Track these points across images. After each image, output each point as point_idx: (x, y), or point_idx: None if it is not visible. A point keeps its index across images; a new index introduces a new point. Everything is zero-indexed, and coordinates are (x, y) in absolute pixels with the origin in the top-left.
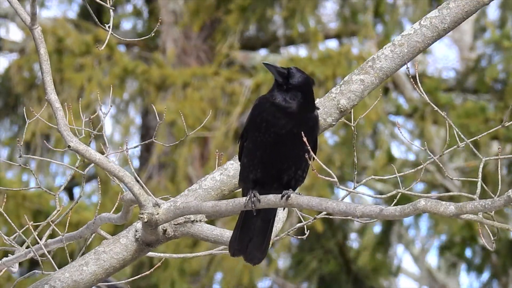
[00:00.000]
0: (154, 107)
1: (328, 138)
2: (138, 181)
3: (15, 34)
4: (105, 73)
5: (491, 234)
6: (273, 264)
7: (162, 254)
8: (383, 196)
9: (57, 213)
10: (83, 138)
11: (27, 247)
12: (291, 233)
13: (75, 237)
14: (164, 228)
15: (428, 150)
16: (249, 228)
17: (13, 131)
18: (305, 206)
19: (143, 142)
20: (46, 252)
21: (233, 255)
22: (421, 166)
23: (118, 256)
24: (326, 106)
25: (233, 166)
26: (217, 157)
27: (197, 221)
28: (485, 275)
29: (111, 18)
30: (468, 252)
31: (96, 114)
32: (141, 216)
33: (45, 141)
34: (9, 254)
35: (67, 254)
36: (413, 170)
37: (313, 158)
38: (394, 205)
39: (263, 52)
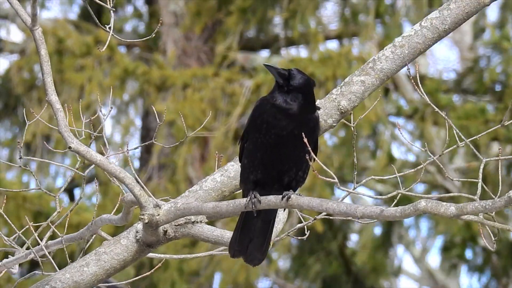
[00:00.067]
0: (154, 108)
1: (327, 139)
2: (138, 182)
3: (15, 35)
4: (106, 74)
5: (492, 235)
6: (273, 264)
7: (162, 255)
8: (383, 196)
9: (57, 214)
10: (83, 139)
11: (27, 248)
12: (291, 233)
13: (76, 238)
14: (165, 229)
15: (428, 151)
16: (249, 229)
17: (13, 132)
18: (306, 207)
19: (143, 144)
20: (47, 253)
21: (233, 256)
22: (421, 166)
23: (119, 257)
24: (326, 107)
25: (234, 167)
26: (216, 158)
27: (197, 222)
28: (486, 276)
29: (112, 19)
30: (468, 253)
31: (96, 115)
32: (142, 217)
33: (45, 142)
34: (9, 256)
35: (67, 255)
36: (413, 170)
37: (314, 159)
38: (395, 205)
39: (263, 53)
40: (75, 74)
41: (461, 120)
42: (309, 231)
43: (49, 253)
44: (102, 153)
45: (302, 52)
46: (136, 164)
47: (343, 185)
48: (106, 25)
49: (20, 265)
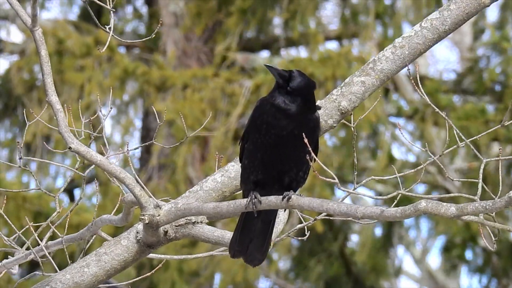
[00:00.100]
0: (154, 108)
1: (327, 139)
2: (139, 183)
3: (15, 35)
4: (106, 74)
5: (492, 235)
6: (273, 265)
7: (163, 256)
8: (383, 197)
9: (57, 214)
10: (82, 140)
11: (27, 248)
12: (292, 234)
13: (76, 238)
14: (165, 230)
15: (428, 151)
16: (249, 229)
17: (13, 132)
18: (306, 208)
19: (143, 144)
20: (47, 253)
21: (233, 256)
22: (421, 166)
23: (119, 257)
24: (327, 107)
25: (234, 168)
26: (216, 159)
27: (198, 222)
28: (486, 277)
29: (112, 20)
30: (468, 254)
31: (96, 115)
32: (142, 217)
33: (45, 143)
34: (9, 256)
35: (67, 256)
36: (413, 171)
37: (314, 160)
38: (395, 206)
39: (263, 53)
40: (75, 75)
41: (462, 121)
42: (309, 231)
43: (49, 253)
44: (102, 154)
45: (302, 52)
46: (136, 164)
47: (343, 185)
48: (106, 26)
49: (19, 265)
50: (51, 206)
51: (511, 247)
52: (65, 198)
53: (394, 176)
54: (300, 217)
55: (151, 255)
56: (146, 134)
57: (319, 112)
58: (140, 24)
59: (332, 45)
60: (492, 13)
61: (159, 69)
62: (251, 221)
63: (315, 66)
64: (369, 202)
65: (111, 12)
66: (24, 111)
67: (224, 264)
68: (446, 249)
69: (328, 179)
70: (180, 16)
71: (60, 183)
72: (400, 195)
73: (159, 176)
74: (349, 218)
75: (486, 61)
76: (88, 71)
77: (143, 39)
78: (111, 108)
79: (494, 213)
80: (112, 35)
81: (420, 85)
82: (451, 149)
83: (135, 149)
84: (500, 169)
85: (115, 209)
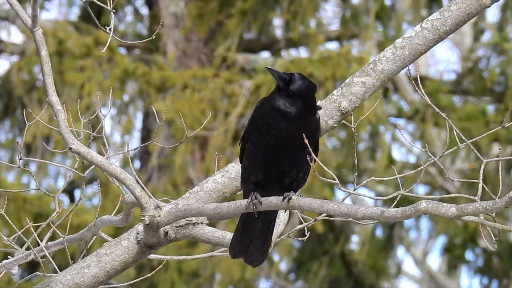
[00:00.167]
0: (154, 108)
1: (326, 140)
2: (139, 183)
3: (16, 36)
4: (106, 75)
5: (492, 235)
6: (274, 266)
7: (163, 256)
8: (384, 197)
9: (57, 214)
10: (82, 140)
11: (27, 248)
12: (292, 234)
13: (76, 239)
14: (166, 230)
15: (429, 152)
16: (250, 230)
17: (13, 133)
18: (307, 208)
19: (143, 144)
20: (47, 253)
21: (233, 257)
22: (422, 167)
23: (120, 258)
24: (327, 108)
25: (235, 169)
26: (216, 159)
27: (198, 223)
28: (486, 277)
29: (112, 20)
30: (469, 255)
31: (95, 114)
32: (143, 218)
33: (44, 143)
34: (9, 256)
35: (68, 256)
36: (413, 172)
37: (315, 160)
38: (395, 206)
39: (264, 54)
40: (75, 75)
41: (462, 122)
42: (309, 232)
43: (49, 254)
44: (102, 154)
45: (302, 53)
46: (136, 164)
47: (344, 186)
48: (106, 27)
49: (19, 266)
50: (51, 207)
51: (511, 247)
52: (65, 199)
53: (395, 177)
54: (300, 217)
55: (152, 256)
56: (147, 135)
57: (319, 112)
58: (140, 25)
59: (333, 46)
60: (492, 14)
61: (159, 70)
62: (252, 222)
63: (314, 66)
64: (369, 203)
65: (111, 12)
66: (24, 112)
67: (223, 264)
68: (447, 250)
69: (328, 180)
70: (181, 17)
71: (61, 184)
72: (400, 195)
73: (159, 177)
74: (350, 219)
75: (486, 61)
76: (88, 71)
77: (144, 40)
78: (110, 108)
79: (494, 213)
80: (112, 36)
81: (420, 86)
82: (451, 150)
83: (135, 149)
84: (500, 170)
85: (116, 210)
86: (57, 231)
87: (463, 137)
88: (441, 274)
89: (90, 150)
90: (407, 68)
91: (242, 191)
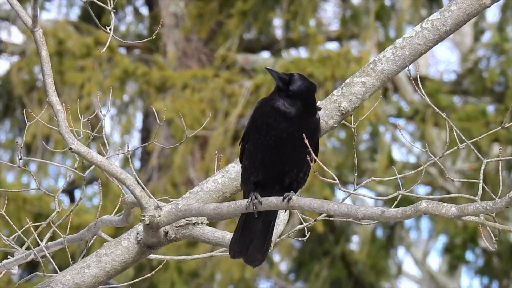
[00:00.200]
0: (154, 108)
1: (327, 140)
2: (139, 184)
3: (16, 36)
4: (106, 75)
5: (492, 235)
6: (275, 267)
7: (163, 256)
8: (384, 198)
9: (57, 214)
10: (82, 140)
11: (27, 248)
12: (292, 235)
13: (76, 239)
14: (166, 231)
15: (429, 152)
16: (250, 230)
17: (14, 133)
18: (307, 208)
19: (143, 144)
20: (47, 253)
21: (233, 257)
22: (422, 167)
23: (120, 258)
24: (327, 108)
25: (235, 169)
26: (216, 158)
27: (198, 223)
28: (486, 278)
29: (112, 20)
30: (469, 255)
31: (94, 114)
32: (143, 218)
33: (44, 143)
34: (9, 256)
35: (69, 257)
36: (413, 172)
37: (315, 161)
38: (395, 207)
39: (264, 54)
40: (75, 75)
41: (463, 122)
42: (309, 232)
43: (48, 254)
44: (102, 154)
45: (302, 53)
46: (136, 164)
47: (344, 186)
48: (106, 27)
49: (19, 266)
50: (51, 207)
51: (511, 248)
52: (65, 200)
53: (395, 177)
54: (300, 218)
55: (152, 256)
56: (147, 135)
57: (319, 113)
58: (140, 25)
59: (333, 46)
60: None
61: (159, 70)
62: (252, 222)
63: (314, 66)
64: (370, 203)
65: (112, 12)
66: (25, 112)
67: (223, 264)
68: (447, 250)
69: (328, 180)
70: (181, 17)
71: (61, 184)
72: (400, 196)
73: (159, 177)
74: (350, 219)
75: (486, 62)
76: (88, 71)
77: (144, 40)
78: (110, 108)
79: (494, 213)
80: (112, 36)
81: (420, 86)
82: (451, 150)
83: (135, 149)
84: (500, 170)
85: (116, 210)
86: (57, 231)
87: (463, 138)
88: (442, 274)
89: (90, 150)
90: (407, 68)
91: (242, 191)
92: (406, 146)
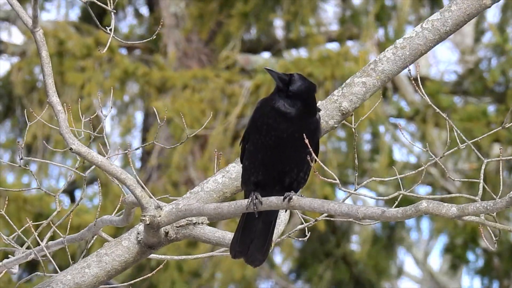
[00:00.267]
0: (155, 109)
1: (328, 140)
2: (139, 184)
3: (16, 37)
4: (106, 75)
5: (493, 235)
6: (276, 268)
7: (163, 256)
8: (384, 197)
9: (57, 213)
10: (82, 140)
11: (28, 248)
12: (293, 235)
13: (76, 239)
14: (166, 230)
15: (430, 152)
16: (250, 230)
17: (14, 134)
18: (307, 208)
19: (144, 145)
20: (47, 253)
21: (234, 257)
22: (423, 167)
23: (120, 258)
24: (328, 108)
25: (235, 169)
26: (216, 157)
27: (199, 223)
28: (487, 278)
29: (112, 21)
30: (470, 255)
31: (95, 114)
32: (143, 218)
33: (45, 142)
34: (9, 256)
35: (69, 257)
36: (414, 172)
37: (315, 161)
38: (396, 207)
39: (264, 55)
40: (76, 76)
41: (464, 122)
42: (310, 232)
43: (49, 253)
44: (102, 154)
45: (303, 54)
46: (136, 164)
47: (345, 186)
48: (106, 27)
49: (19, 266)
50: (51, 207)
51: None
52: (66, 200)
53: (395, 177)
54: (301, 218)
55: (153, 256)
56: (147, 135)
57: (320, 113)
58: (141, 25)
59: (333, 46)
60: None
61: (160, 70)
62: (252, 222)
63: (314, 66)
64: (370, 203)
65: (112, 13)
66: (25, 112)
67: (224, 264)
68: (447, 250)
69: (329, 180)
70: (181, 18)
71: (62, 185)
72: (401, 196)
73: (159, 176)
74: (350, 219)
75: (487, 62)
76: (89, 72)
77: (144, 40)
78: (111, 108)
79: (495, 213)
80: (112, 36)
81: (421, 86)
82: (452, 150)
83: (135, 149)
84: (501, 170)
85: (116, 210)
86: (58, 231)
87: (464, 138)
88: (442, 274)
89: (90, 151)
90: (407, 68)
91: (242, 191)
92: (406, 146)
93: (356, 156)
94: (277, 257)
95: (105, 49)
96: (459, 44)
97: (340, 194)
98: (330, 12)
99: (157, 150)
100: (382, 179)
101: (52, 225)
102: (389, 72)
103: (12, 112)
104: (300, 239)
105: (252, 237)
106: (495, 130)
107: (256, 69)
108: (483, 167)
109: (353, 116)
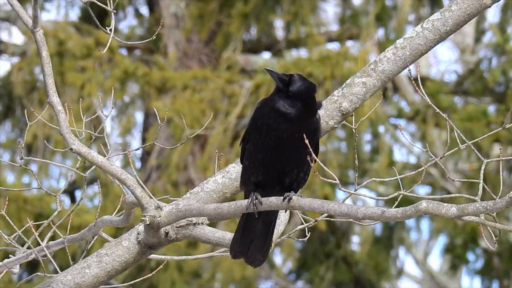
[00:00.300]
0: (155, 109)
1: (328, 140)
2: (140, 184)
3: (16, 37)
4: (106, 75)
5: (493, 235)
6: (277, 269)
7: (163, 257)
8: (384, 198)
9: (58, 213)
10: (83, 140)
11: (28, 248)
12: (293, 235)
13: (77, 239)
14: (166, 231)
15: (430, 152)
16: (250, 230)
17: (14, 134)
18: (307, 208)
19: (144, 145)
20: (48, 253)
21: (234, 257)
22: (423, 167)
23: (120, 258)
24: (328, 109)
25: (235, 169)
26: (216, 157)
27: (199, 223)
28: (487, 278)
29: (113, 21)
30: (469, 255)
31: (96, 115)
32: (143, 218)
33: (46, 142)
34: (10, 256)
35: (69, 257)
36: (414, 172)
37: (315, 161)
38: (396, 207)
39: (265, 55)
40: (76, 76)
41: (464, 122)
42: (310, 232)
43: (49, 253)
44: (102, 154)
45: (303, 54)
46: (136, 165)
47: (345, 186)
48: (106, 27)
49: (20, 265)
50: (52, 208)
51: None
52: (66, 200)
53: (395, 177)
54: (301, 218)
55: (153, 256)
56: (147, 136)
57: (320, 112)
58: (141, 25)
59: (333, 46)
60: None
61: (160, 70)
62: (252, 222)
63: (314, 65)
64: (370, 204)
65: (112, 13)
66: (26, 111)
67: (224, 264)
68: (447, 250)
69: (329, 180)
70: (181, 18)
71: (62, 185)
72: (401, 196)
73: (158, 176)
74: (350, 219)
75: (488, 62)
76: (89, 72)
77: (144, 41)
78: (112, 108)
79: (495, 213)
80: (112, 37)
81: (421, 86)
82: (452, 150)
83: (136, 149)
84: (501, 170)
85: (116, 210)
86: (58, 231)
87: (464, 138)
88: (442, 274)
89: (91, 151)
90: (408, 68)
91: (242, 191)
92: (406, 147)
93: (356, 156)
94: (277, 258)
95: (105, 49)
96: (460, 44)
97: (340, 194)
98: (330, 12)
99: (157, 150)
100: (382, 179)
101: (52, 225)
102: (389, 72)
103: (12, 112)
104: (300, 239)
105: (252, 238)
106: (495, 130)
107: (256, 69)
108: (483, 167)
109: (353, 116)
